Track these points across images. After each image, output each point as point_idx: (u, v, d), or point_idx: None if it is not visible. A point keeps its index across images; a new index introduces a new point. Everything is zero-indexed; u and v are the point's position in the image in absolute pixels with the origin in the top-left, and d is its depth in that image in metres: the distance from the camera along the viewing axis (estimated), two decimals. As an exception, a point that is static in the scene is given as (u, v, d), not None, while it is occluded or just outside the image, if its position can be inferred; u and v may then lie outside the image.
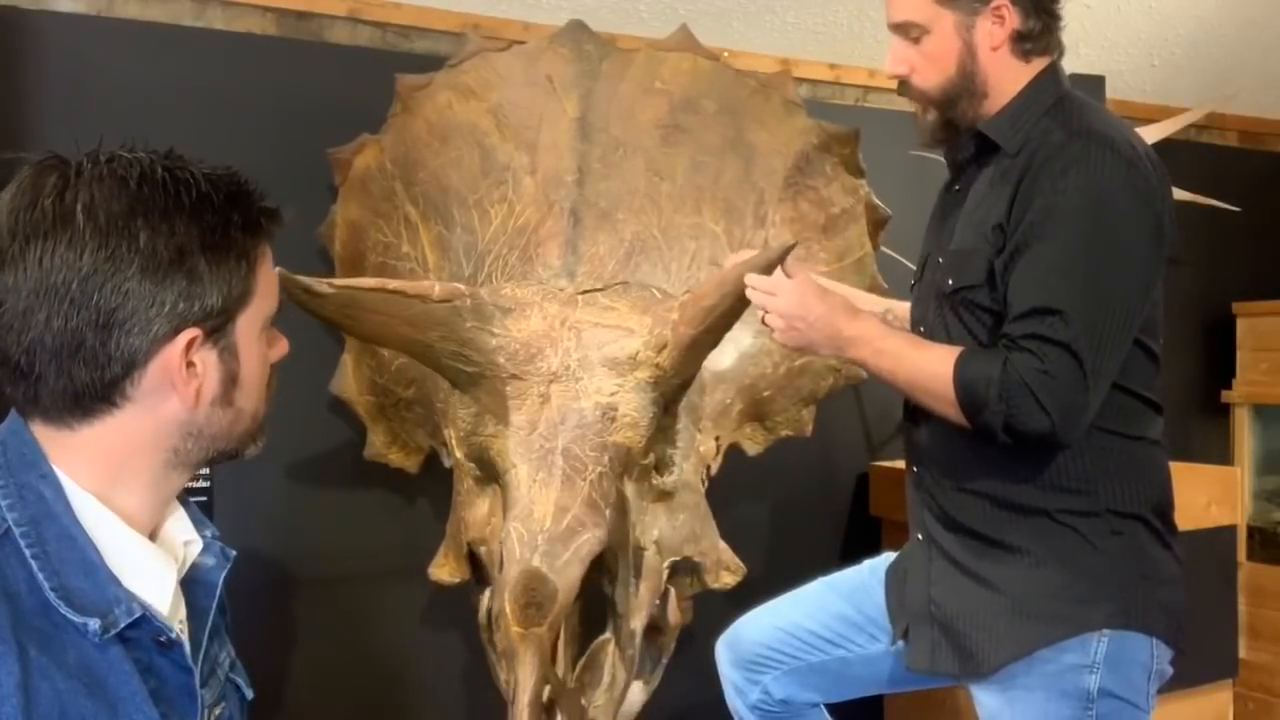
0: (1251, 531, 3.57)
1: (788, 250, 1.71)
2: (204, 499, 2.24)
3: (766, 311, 1.67)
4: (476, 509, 1.98)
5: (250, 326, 1.07)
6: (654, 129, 2.26)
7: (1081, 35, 3.30)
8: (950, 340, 1.69)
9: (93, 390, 0.99)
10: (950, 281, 1.69)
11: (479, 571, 2.01)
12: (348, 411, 2.50)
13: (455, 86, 2.35)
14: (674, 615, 2.07)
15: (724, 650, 1.98)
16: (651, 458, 1.89)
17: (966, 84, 1.70)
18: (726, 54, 2.50)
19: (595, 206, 2.15)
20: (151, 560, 1.04)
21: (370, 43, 2.64)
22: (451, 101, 2.33)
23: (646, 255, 2.14)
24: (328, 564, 2.55)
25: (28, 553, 0.96)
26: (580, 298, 1.96)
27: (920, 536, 1.80)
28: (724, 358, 2.12)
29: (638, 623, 1.86)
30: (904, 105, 1.85)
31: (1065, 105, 1.68)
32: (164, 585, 1.05)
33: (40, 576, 0.96)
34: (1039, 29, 1.71)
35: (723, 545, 2.07)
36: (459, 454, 1.94)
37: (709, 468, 2.12)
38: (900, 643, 1.82)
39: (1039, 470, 1.63)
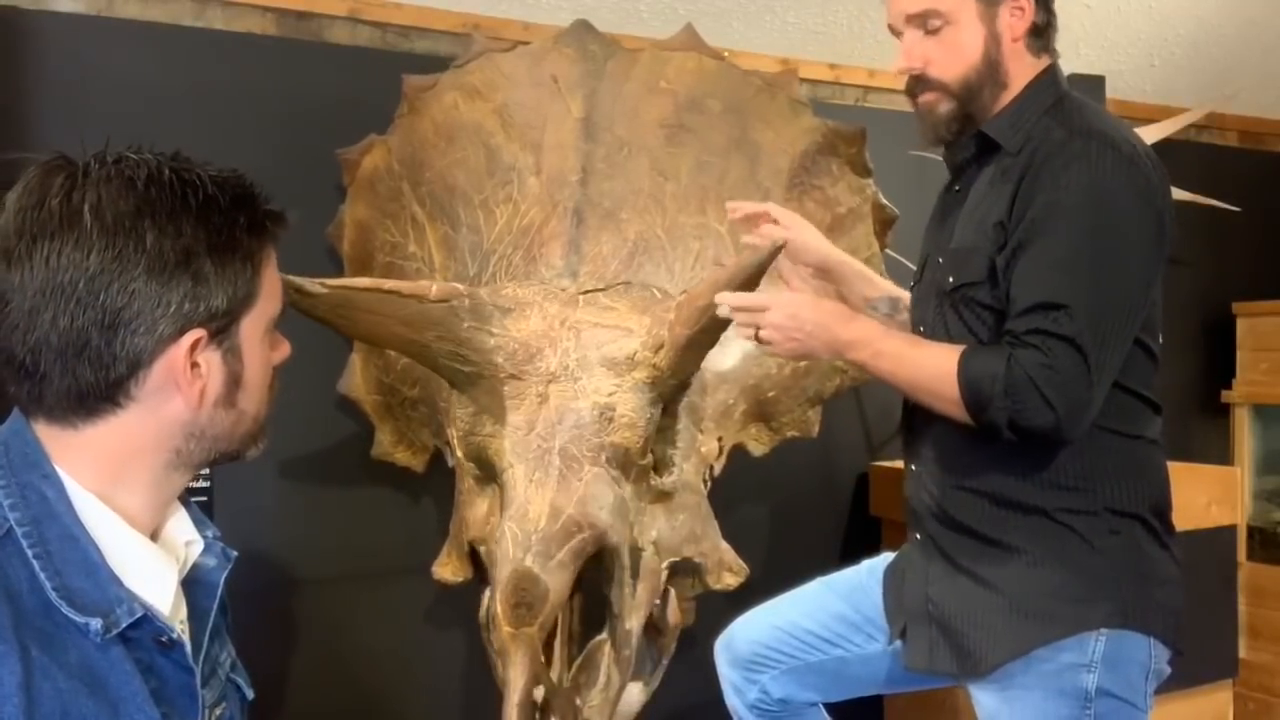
0: (1251, 531, 3.57)
1: (778, 250, 1.70)
2: (204, 499, 2.25)
3: (759, 329, 1.66)
4: (477, 508, 1.99)
5: (254, 328, 1.07)
6: (659, 128, 2.27)
7: (1081, 35, 3.30)
8: (950, 339, 1.69)
9: (97, 390, 0.99)
10: (951, 279, 1.69)
11: (481, 571, 2.01)
12: (348, 412, 2.50)
13: (461, 87, 2.35)
14: (674, 616, 2.06)
15: (722, 650, 1.98)
16: (650, 458, 1.89)
17: (992, 73, 1.70)
18: (727, 54, 2.50)
19: (599, 206, 2.16)
20: (153, 560, 1.05)
21: (370, 43, 2.65)
22: (457, 102, 2.34)
23: (650, 255, 2.14)
24: (328, 564, 2.55)
25: (29, 552, 0.96)
26: (581, 297, 1.96)
27: (918, 536, 1.80)
28: (727, 358, 2.12)
29: (634, 623, 1.86)
30: (904, 105, 1.85)
31: (1065, 105, 1.69)
32: (165, 585, 1.05)
33: (42, 576, 0.96)
34: (1045, 25, 1.73)
35: (724, 546, 2.07)
36: (459, 453, 1.94)
37: (711, 468, 2.11)
38: (898, 642, 1.82)
39: (1038, 469, 1.63)
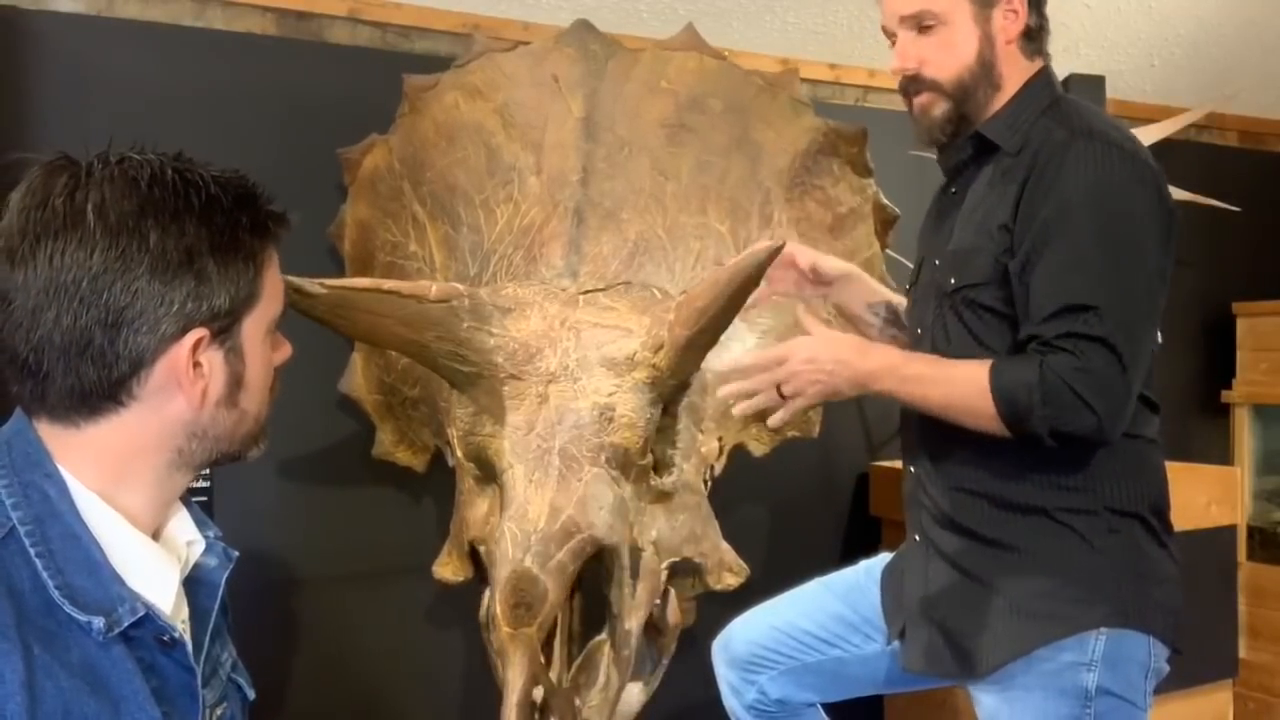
0: (1251, 531, 3.57)
1: (775, 251, 1.70)
2: (204, 499, 2.25)
3: (781, 385, 1.66)
4: (477, 508, 1.98)
5: (256, 328, 1.07)
6: (659, 128, 2.26)
7: (1081, 35, 3.30)
8: (949, 340, 1.69)
9: (100, 389, 0.99)
10: (953, 281, 1.69)
11: (482, 571, 2.01)
12: (348, 412, 2.50)
13: (462, 87, 2.35)
14: (674, 616, 2.06)
15: (720, 651, 1.98)
16: (650, 458, 1.89)
17: (986, 73, 1.71)
18: (727, 54, 2.50)
19: (600, 206, 2.16)
20: (154, 560, 1.05)
21: (370, 43, 2.65)
22: (458, 102, 2.34)
23: (650, 255, 2.13)
24: (328, 564, 2.55)
25: (32, 551, 0.97)
26: (581, 297, 1.96)
27: (917, 537, 1.79)
28: (728, 358, 2.12)
29: (633, 623, 1.86)
30: (904, 105, 1.85)
31: (1062, 106, 1.70)
32: (167, 585, 1.05)
33: (44, 575, 0.96)
34: (1038, 28, 1.74)
35: (725, 546, 2.06)
36: (459, 453, 1.94)
37: (712, 468, 2.11)
38: (896, 643, 1.82)
39: (1038, 469, 1.63)
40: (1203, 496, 2.96)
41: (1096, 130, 1.61)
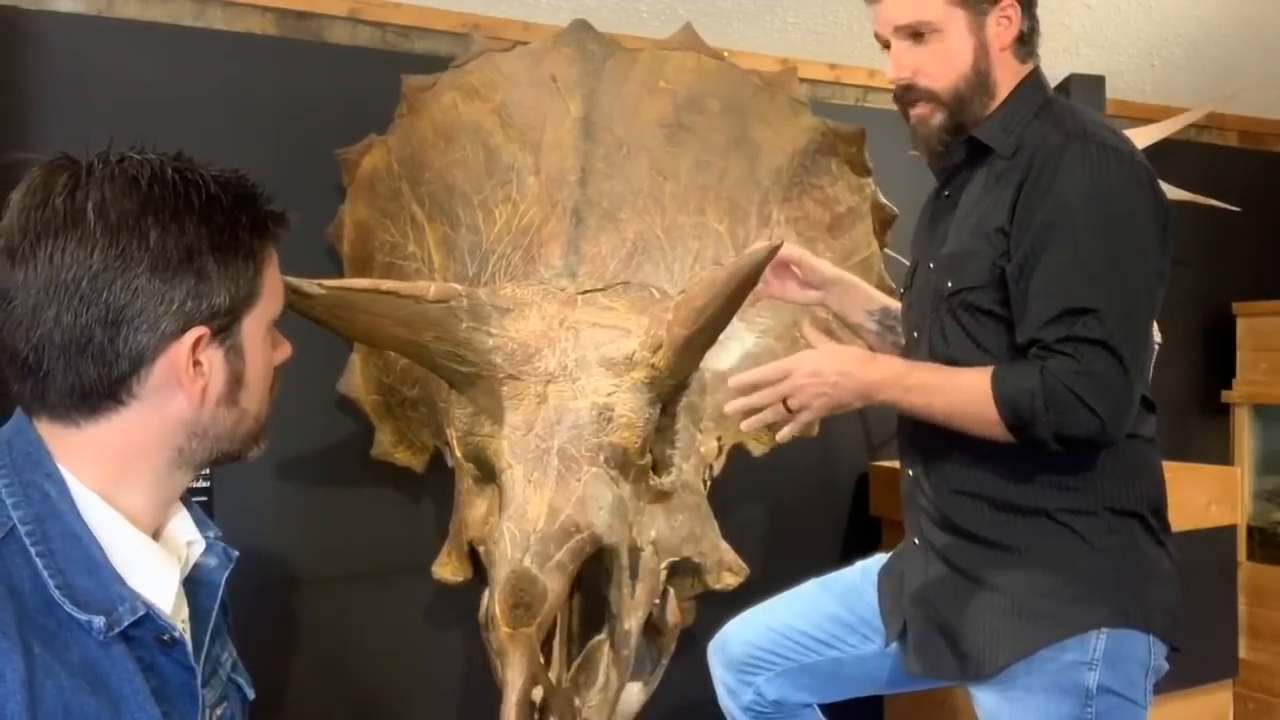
0: (1251, 531, 3.57)
1: (774, 251, 1.70)
2: (204, 499, 2.25)
3: (786, 399, 1.66)
4: (476, 509, 1.98)
5: (256, 327, 1.08)
6: (658, 128, 2.27)
7: (1081, 35, 3.30)
8: (947, 344, 1.70)
9: (100, 387, 1.00)
10: (949, 284, 1.69)
11: (481, 571, 2.01)
12: (348, 412, 2.50)
13: (460, 87, 2.35)
14: (673, 616, 2.06)
15: (716, 652, 1.98)
16: (649, 458, 1.89)
17: (981, 82, 1.70)
18: (726, 54, 2.50)
19: (598, 206, 2.16)
20: (155, 560, 1.05)
21: (370, 43, 2.65)
22: (457, 102, 2.34)
23: (649, 255, 2.14)
24: (328, 564, 2.55)
25: (32, 550, 0.97)
26: (580, 298, 1.96)
27: (916, 540, 1.79)
28: (727, 357, 2.12)
29: (633, 623, 1.86)
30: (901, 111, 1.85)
31: (1054, 108, 1.70)
32: (167, 585, 1.05)
33: (45, 574, 0.96)
34: (1031, 32, 1.74)
35: (724, 546, 2.07)
36: (458, 453, 1.94)
37: (711, 468, 2.11)
38: (894, 644, 1.82)
39: (1037, 470, 1.63)
40: (1203, 496, 2.96)
41: (1091, 132, 1.61)
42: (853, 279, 1.97)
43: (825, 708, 1.99)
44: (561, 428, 1.77)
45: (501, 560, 1.65)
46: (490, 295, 1.87)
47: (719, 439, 2.12)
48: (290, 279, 1.56)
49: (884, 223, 2.42)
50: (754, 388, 1.67)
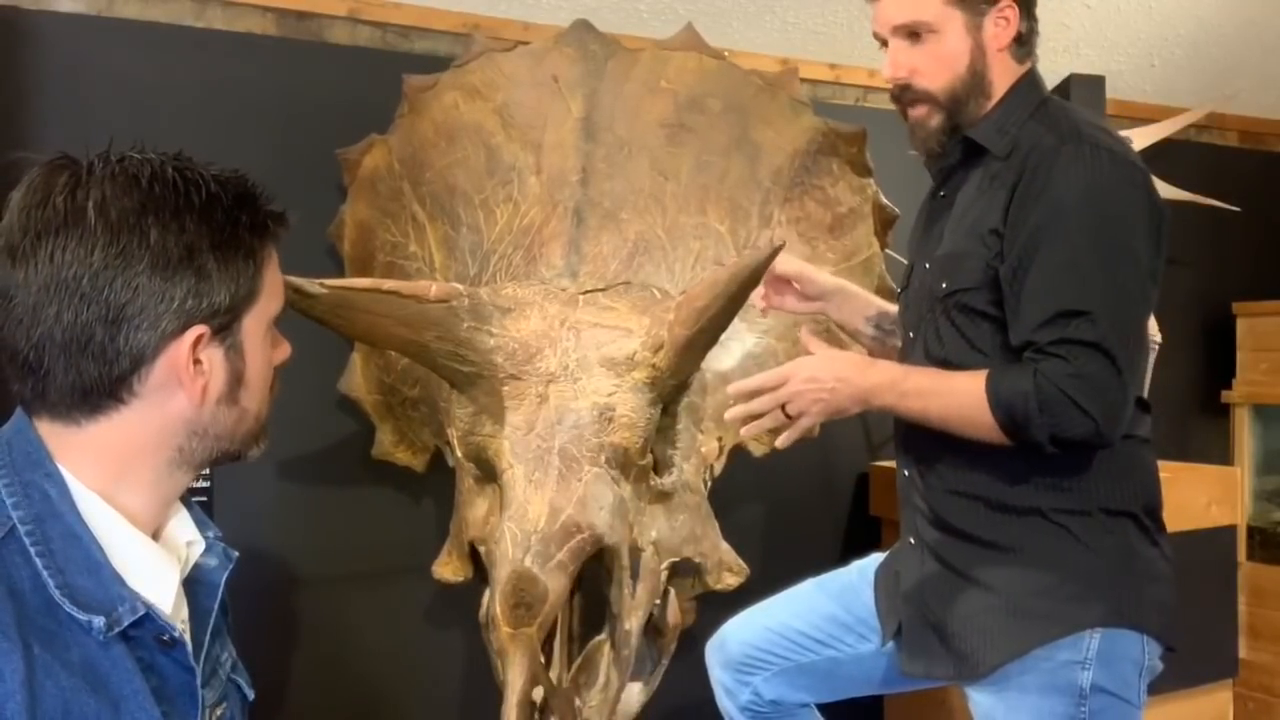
0: (1251, 531, 3.57)
1: (776, 251, 1.70)
2: (204, 499, 2.25)
3: (785, 405, 1.66)
4: (476, 508, 1.99)
5: (256, 326, 1.08)
6: (659, 128, 2.27)
7: (1081, 35, 3.30)
8: (942, 345, 1.70)
9: (100, 386, 1.00)
10: (944, 285, 1.69)
11: (482, 571, 2.01)
12: (348, 412, 2.50)
13: (461, 87, 2.35)
14: (674, 616, 2.06)
15: (714, 652, 1.98)
16: (649, 458, 1.89)
17: (977, 83, 1.70)
18: (727, 54, 2.51)
19: (599, 206, 2.16)
20: (155, 560, 1.05)
21: (370, 43, 2.65)
22: (458, 102, 2.34)
23: (650, 255, 2.14)
24: (328, 564, 2.55)
25: (32, 550, 0.97)
26: (581, 298, 1.96)
27: (911, 540, 1.79)
28: (727, 358, 2.12)
29: (633, 623, 1.86)
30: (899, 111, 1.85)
31: (1049, 108, 1.70)
32: (167, 585, 1.05)
33: (45, 574, 0.96)
34: (1028, 33, 1.73)
35: (724, 546, 2.07)
36: (459, 453, 1.94)
37: (711, 468, 2.11)
38: (891, 643, 1.82)
39: (1032, 471, 1.63)
40: (1203, 496, 2.96)
41: (1085, 134, 1.61)
42: (852, 287, 1.97)
43: (824, 707, 1.99)
44: (562, 428, 1.77)
45: (502, 560, 1.65)
46: (492, 295, 1.87)
47: (720, 439, 2.12)
48: (292, 278, 1.56)
49: (885, 223, 2.42)
50: (752, 394, 1.68)
